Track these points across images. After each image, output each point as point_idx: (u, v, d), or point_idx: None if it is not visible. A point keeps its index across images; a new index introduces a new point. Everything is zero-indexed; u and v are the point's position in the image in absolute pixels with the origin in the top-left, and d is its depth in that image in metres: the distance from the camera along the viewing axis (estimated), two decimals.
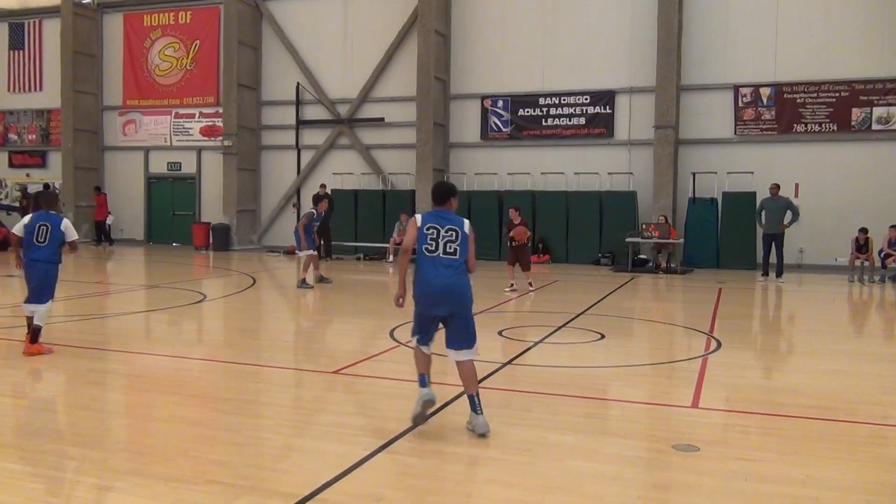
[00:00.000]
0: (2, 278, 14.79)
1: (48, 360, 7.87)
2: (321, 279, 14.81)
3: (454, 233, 5.47)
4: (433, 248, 5.43)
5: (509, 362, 7.93)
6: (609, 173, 20.08)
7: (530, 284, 13.68)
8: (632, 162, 20.13)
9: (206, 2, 24.48)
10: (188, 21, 24.84)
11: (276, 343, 9.53)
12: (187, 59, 24.87)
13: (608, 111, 20.43)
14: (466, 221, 5.56)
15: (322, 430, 5.64)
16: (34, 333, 7.82)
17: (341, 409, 6.26)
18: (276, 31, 23.72)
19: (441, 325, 5.59)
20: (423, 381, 5.46)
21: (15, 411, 6.20)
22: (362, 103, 22.86)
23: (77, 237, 8.27)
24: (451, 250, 5.44)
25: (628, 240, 18.42)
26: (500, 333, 9.57)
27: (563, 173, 20.51)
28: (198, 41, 24.67)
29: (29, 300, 7.94)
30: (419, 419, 5.42)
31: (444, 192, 5.67)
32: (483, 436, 5.27)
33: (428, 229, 5.48)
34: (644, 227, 18.35)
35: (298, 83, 23.38)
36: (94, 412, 6.12)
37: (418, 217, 5.59)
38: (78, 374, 7.40)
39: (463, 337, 5.45)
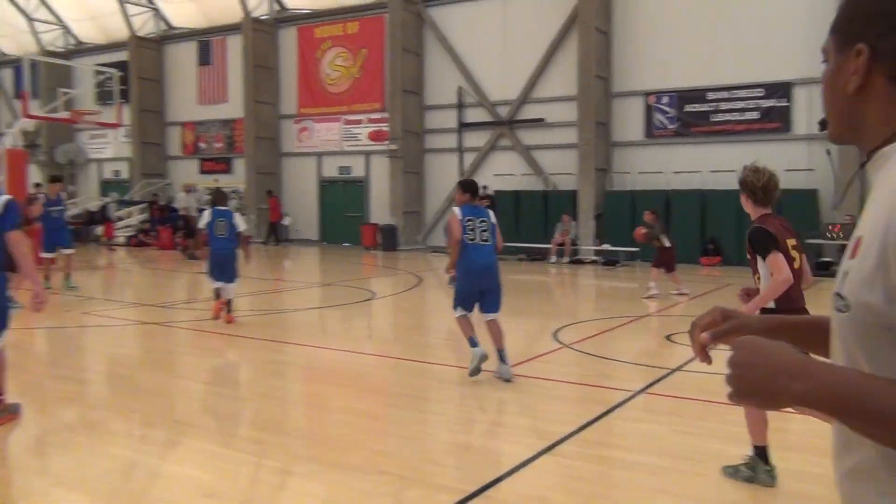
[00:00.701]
0: (195, 275, 16.17)
1: (234, 352, 8.55)
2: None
3: (486, 223, 6.90)
4: (473, 237, 6.83)
5: (678, 368, 7.62)
6: (786, 170, 18.76)
7: (650, 286, 12.92)
8: (811, 158, 18.75)
9: (372, 11, 25.52)
10: (356, 31, 25.99)
11: (441, 341, 9.74)
12: (355, 67, 26.01)
13: (784, 104, 19.15)
14: (490, 212, 7.07)
15: (487, 428, 5.71)
16: (228, 304, 9.82)
17: (505, 408, 6.29)
18: (437, 37, 24.27)
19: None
20: (474, 342, 6.72)
21: (207, 397, 6.76)
22: (522, 104, 22.87)
23: (245, 228, 10.20)
24: (485, 238, 6.87)
25: (810, 241, 17.17)
26: (667, 338, 9.25)
27: (734, 171, 19.40)
28: (365, 50, 25.74)
29: (217, 278, 9.84)
30: (476, 373, 6.60)
31: (476, 188, 7.17)
32: (508, 380, 6.62)
33: (467, 221, 6.86)
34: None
35: (459, 87, 23.80)
36: (275, 400, 6.56)
37: (457, 210, 6.91)
38: (261, 366, 7.96)
39: (495, 303, 6.92)
